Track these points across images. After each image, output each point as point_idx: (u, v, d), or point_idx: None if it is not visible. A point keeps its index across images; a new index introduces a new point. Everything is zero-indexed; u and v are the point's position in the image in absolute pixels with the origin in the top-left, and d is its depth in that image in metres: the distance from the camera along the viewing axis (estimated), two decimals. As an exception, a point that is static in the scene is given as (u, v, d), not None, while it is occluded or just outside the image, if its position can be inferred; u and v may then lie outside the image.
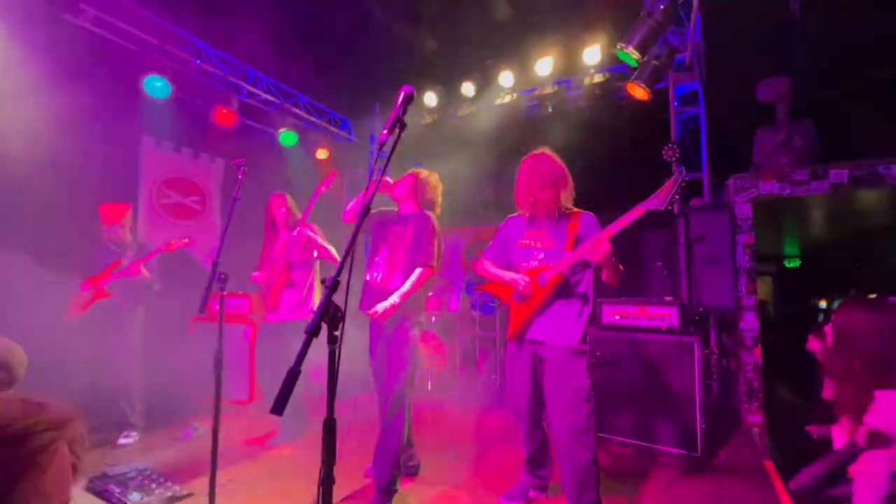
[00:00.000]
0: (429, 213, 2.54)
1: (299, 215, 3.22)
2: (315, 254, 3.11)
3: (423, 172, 2.63)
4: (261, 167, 4.95)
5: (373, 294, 2.40)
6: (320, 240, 3.04)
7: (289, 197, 3.28)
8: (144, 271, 3.22)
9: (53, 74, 3.29)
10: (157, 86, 4.00)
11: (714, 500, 2.42)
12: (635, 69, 4.02)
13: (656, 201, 1.89)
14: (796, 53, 3.92)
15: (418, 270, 2.34)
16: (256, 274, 3.22)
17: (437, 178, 2.65)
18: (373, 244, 2.63)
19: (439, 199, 2.64)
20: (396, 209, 2.66)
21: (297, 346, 0.93)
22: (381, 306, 2.24)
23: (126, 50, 3.95)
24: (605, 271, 2.00)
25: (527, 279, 2.11)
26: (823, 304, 6.86)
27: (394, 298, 2.26)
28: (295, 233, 3.00)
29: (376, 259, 2.52)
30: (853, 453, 1.49)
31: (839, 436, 1.54)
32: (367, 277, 2.51)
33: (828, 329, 1.61)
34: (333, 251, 3.06)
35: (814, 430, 2.45)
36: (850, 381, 1.42)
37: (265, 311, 3.30)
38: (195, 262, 4.68)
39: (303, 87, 5.52)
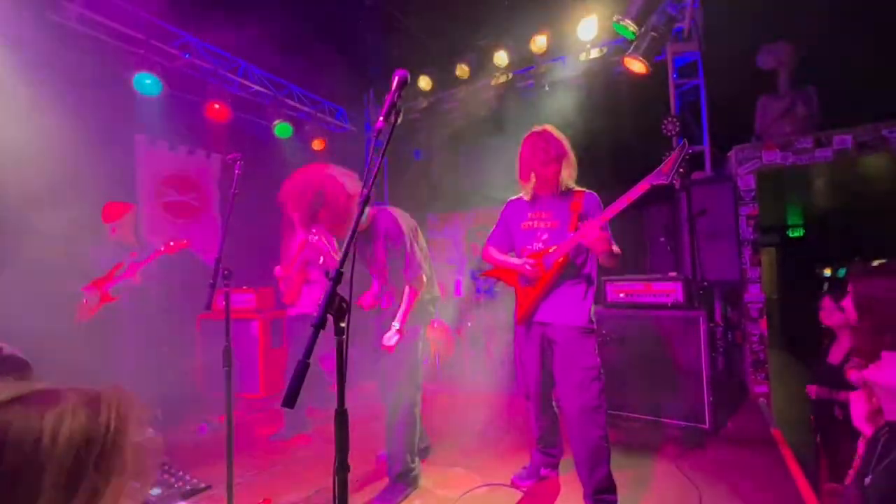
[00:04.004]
0: (389, 210, 2.30)
1: None
2: (321, 260, 3.11)
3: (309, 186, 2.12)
4: (257, 161, 4.94)
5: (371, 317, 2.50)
6: (331, 250, 3.04)
7: None
8: (138, 277, 3.22)
9: (40, 76, 3.24)
10: (146, 83, 3.93)
11: (723, 470, 2.46)
12: (632, 42, 3.93)
13: (660, 176, 1.86)
14: (797, 17, 3.82)
15: (407, 290, 2.27)
16: (278, 268, 3.31)
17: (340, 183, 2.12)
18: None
19: (350, 190, 2.13)
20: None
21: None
22: (389, 340, 2.21)
23: (113, 47, 3.88)
24: (600, 256, 2.00)
25: (532, 262, 2.10)
26: (827, 272, 6.85)
27: (395, 326, 2.22)
28: (312, 239, 3.03)
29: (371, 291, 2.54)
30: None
31: (858, 404, 1.54)
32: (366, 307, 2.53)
33: (846, 303, 1.57)
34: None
35: (813, 389, 2.47)
36: (880, 352, 1.40)
37: (286, 306, 3.35)
38: (198, 260, 4.70)
39: (295, 77, 5.44)
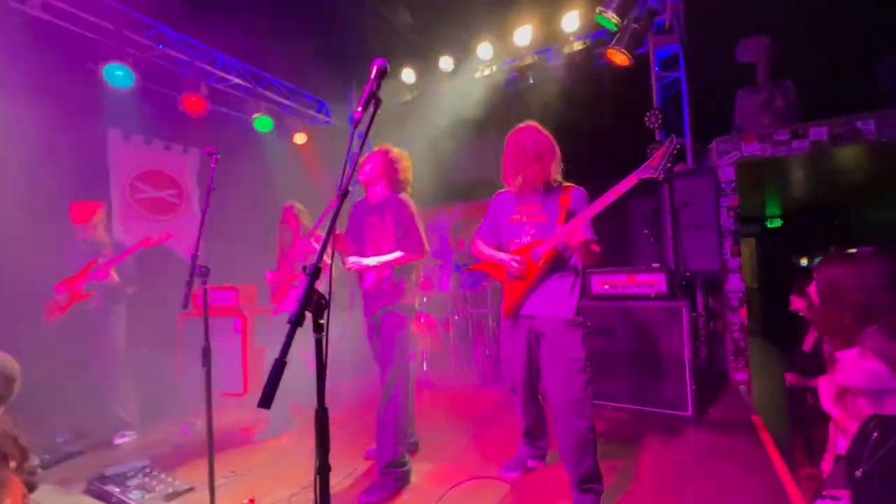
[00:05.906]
0: (402, 195, 2.47)
1: (306, 220, 3.30)
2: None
3: (394, 149, 2.53)
4: (237, 155, 4.83)
5: (369, 297, 2.46)
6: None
7: (295, 204, 3.34)
8: (114, 275, 3.11)
9: (3, 68, 3.10)
10: (118, 74, 3.79)
11: (706, 455, 2.51)
12: (615, 34, 3.94)
13: (649, 170, 1.84)
14: (776, 11, 3.88)
15: (399, 252, 2.36)
16: (270, 274, 3.29)
17: (406, 155, 2.56)
18: (355, 245, 2.54)
19: (411, 177, 2.56)
20: (364, 196, 2.58)
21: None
22: (355, 261, 2.32)
23: (81, 37, 3.72)
24: (580, 254, 2.00)
25: (518, 259, 2.09)
26: (804, 261, 7.04)
27: (370, 262, 2.33)
28: (306, 241, 3.08)
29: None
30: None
31: (824, 389, 1.59)
32: (363, 285, 2.49)
33: (811, 289, 1.63)
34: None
35: (791, 378, 2.56)
36: (841, 335, 1.45)
37: (272, 306, 3.32)
38: (177, 257, 4.58)
39: (275, 69, 5.31)
